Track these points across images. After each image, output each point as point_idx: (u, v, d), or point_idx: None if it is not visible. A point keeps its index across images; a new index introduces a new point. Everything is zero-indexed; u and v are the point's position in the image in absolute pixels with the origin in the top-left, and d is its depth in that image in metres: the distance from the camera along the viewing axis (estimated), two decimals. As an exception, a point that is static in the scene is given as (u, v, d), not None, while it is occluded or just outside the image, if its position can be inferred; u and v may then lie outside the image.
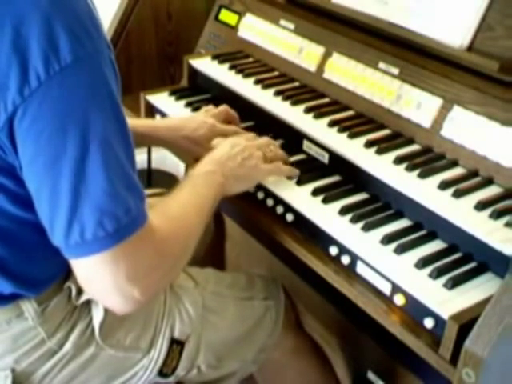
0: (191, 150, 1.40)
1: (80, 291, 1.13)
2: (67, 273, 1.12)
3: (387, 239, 1.13)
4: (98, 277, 0.93)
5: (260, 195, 1.30)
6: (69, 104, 0.86)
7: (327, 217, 1.20)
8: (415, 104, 1.32)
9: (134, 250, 0.92)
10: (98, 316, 1.14)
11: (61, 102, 0.86)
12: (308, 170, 1.33)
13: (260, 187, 1.29)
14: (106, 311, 1.13)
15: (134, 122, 1.37)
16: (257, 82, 1.55)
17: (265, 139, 1.34)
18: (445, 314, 0.98)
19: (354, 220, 1.18)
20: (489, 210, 1.10)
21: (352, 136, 1.33)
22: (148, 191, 1.51)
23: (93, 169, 0.88)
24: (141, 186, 0.95)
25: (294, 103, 1.46)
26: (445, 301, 1.01)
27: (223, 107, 1.48)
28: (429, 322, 1.01)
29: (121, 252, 0.91)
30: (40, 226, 0.95)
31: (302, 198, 1.25)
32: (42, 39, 0.84)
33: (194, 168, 1.20)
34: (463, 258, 1.11)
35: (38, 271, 1.07)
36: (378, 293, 1.09)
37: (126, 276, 0.92)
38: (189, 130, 1.40)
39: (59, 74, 0.85)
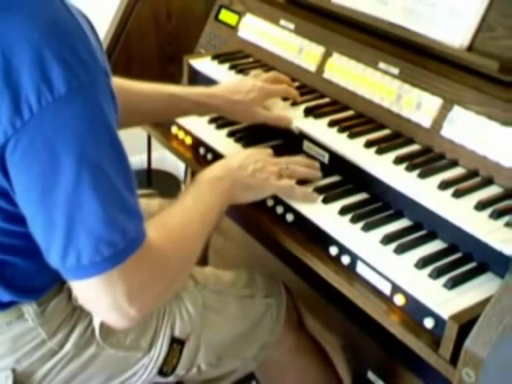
0: (246, 112, 1.41)
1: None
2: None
3: (387, 239, 1.13)
4: (96, 297, 0.93)
5: (260, 195, 1.30)
6: (62, 136, 0.85)
7: (327, 217, 1.20)
8: (415, 104, 1.32)
9: (131, 271, 0.92)
10: (98, 316, 1.13)
11: (54, 133, 0.85)
12: (308, 170, 1.33)
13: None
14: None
15: (188, 91, 1.41)
16: (257, 81, 1.55)
17: (285, 159, 1.29)
18: (445, 314, 0.98)
19: (354, 220, 1.18)
20: (489, 210, 1.10)
21: (352, 136, 1.33)
22: (145, 191, 1.51)
23: (87, 198, 0.87)
24: (139, 208, 0.94)
25: (294, 103, 1.46)
26: (445, 301, 1.01)
27: (273, 73, 1.50)
28: (429, 322, 1.01)
29: (118, 274, 0.91)
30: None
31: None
32: (34, 70, 0.82)
33: (201, 173, 1.19)
34: (463, 257, 1.11)
35: (36, 280, 1.07)
36: (378, 293, 1.09)
37: (123, 296, 0.92)
38: (241, 94, 1.39)
39: (52, 105, 0.83)
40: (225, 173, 1.18)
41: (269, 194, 1.24)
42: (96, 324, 1.14)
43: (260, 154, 1.26)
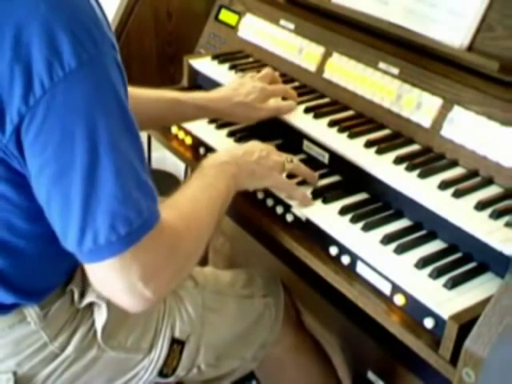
0: (247, 114, 1.42)
1: (82, 294, 1.12)
2: (69, 276, 1.12)
3: (387, 239, 1.13)
4: (112, 280, 0.92)
5: (260, 195, 1.30)
6: (75, 110, 0.85)
7: (327, 217, 1.20)
8: (415, 104, 1.32)
9: (145, 251, 0.92)
10: (100, 319, 1.13)
11: (67, 108, 0.84)
12: (308, 170, 1.33)
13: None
14: (109, 313, 1.13)
15: (190, 96, 1.41)
16: (257, 81, 1.55)
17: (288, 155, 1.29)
18: (445, 314, 0.98)
19: (354, 220, 1.18)
20: (489, 210, 1.10)
21: (352, 136, 1.33)
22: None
23: (104, 174, 0.87)
24: (153, 185, 0.95)
25: (294, 103, 1.46)
26: (445, 301, 1.01)
27: (267, 70, 1.51)
28: (429, 322, 1.01)
29: (133, 254, 0.90)
30: (42, 236, 0.94)
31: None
32: (44, 45, 0.82)
33: (205, 159, 1.19)
34: (463, 257, 1.11)
35: (39, 282, 1.07)
36: (378, 293, 1.09)
37: (138, 277, 0.92)
38: (241, 96, 1.40)
39: (63, 80, 0.83)
40: (230, 158, 1.18)
41: (269, 184, 1.24)
42: (98, 327, 1.14)
43: (264, 145, 1.27)
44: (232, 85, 1.46)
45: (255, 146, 1.24)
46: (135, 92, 1.34)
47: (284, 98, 1.47)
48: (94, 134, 0.86)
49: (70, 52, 0.83)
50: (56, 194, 0.88)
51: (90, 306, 1.14)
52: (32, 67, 0.83)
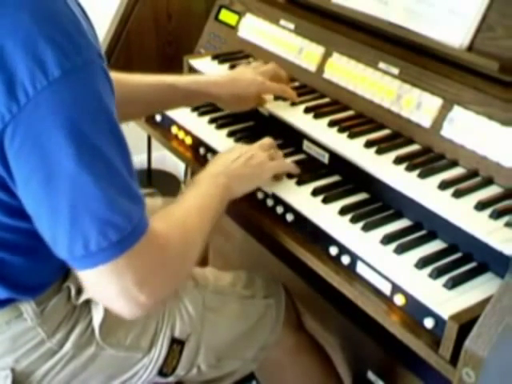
0: (240, 105, 1.45)
1: (79, 291, 1.13)
2: (66, 273, 1.12)
3: (387, 239, 1.13)
4: (105, 285, 0.93)
5: (260, 195, 1.30)
6: (60, 118, 0.84)
7: (327, 217, 1.20)
8: (415, 104, 1.32)
9: (138, 256, 0.92)
10: (98, 316, 1.14)
11: (51, 116, 0.84)
12: (308, 170, 1.33)
13: (260, 187, 1.29)
14: (106, 311, 1.13)
15: (187, 79, 1.44)
16: (257, 81, 1.55)
17: (268, 139, 1.34)
18: (445, 314, 0.98)
19: (354, 220, 1.18)
20: (489, 210, 1.10)
21: (352, 136, 1.33)
22: (146, 190, 1.51)
23: (89, 182, 0.87)
24: (141, 193, 0.95)
25: (294, 103, 1.46)
26: (445, 301, 1.01)
27: (272, 65, 1.51)
28: (429, 322, 1.01)
29: (126, 260, 0.91)
30: (35, 233, 0.94)
31: (302, 198, 1.25)
32: (27, 55, 0.82)
33: (198, 175, 1.20)
34: (463, 257, 1.11)
35: (32, 277, 1.07)
36: (377, 293, 1.09)
37: (132, 282, 0.92)
38: (241, 88, 1.42)
39: (47, 88, 0.83)
40: (220, 170, 1.20)
41: (267, 177, 1.26)
42: (96, 323, 1.14)
43: (246, 146, 1.30)
44: (233, 74, 1.48)
45: (237, 150, 1.27)
46: (127, 77, 1.37)
47: (283, 98, 1.47)
48: (78, 141, 0.86)
49: (53, 61, 0.83)
50: (43, 202, 0.88)
51: (88, 303, 1.14)
52: (15, 76, 0.82)
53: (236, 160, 1.23)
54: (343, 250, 1.14)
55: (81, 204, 0.87)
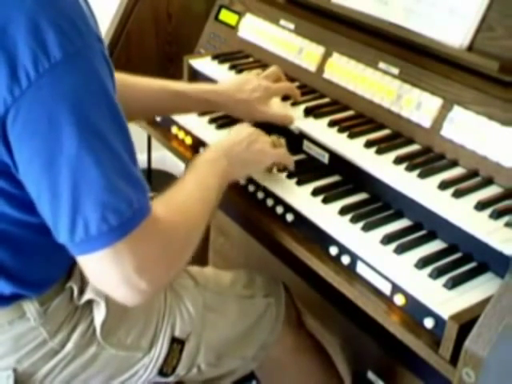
0: (248, 111, 1.43)
1: (82, 291, 1.13)
2: (69, 273, 1.13)
3: (387, 239, 1.13)
4: (106, 271, 0.92)
5: (260, 195, 1.30)
6: (61, 102, 0.85)
7: (327, 217, 1.20)
8: (415, 104, 1.32)
9: (139, 242, 0.92)
10: (99, 315, 1.14)
11: (52, 100, 0.85)
12: (308, 170, 1.33)
13: (260, 187, 1.29)
14: (108, 310, 1.13)
15: (193, 88, 1.43)
16: (257, 81, 1.55)
17: (274, 67, 1.39)
18: (445, 314, 0.98)
19: (354, 220, 1.18)
20: (489, 210, 1.10)
21: (352, 136, 1.33)
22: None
23: (90, 165, 0.87)
24: (143, 178, 0.95)
25: (294, 103, 1.46)
26: (445, 301, 1.01)
27: (273, 68, 1.51)
28: (429, 322, 1.01)
29: (126, 245, 0.90)
30: (39, 227, 0.94)
31: (301, 198, 1.25)
32: (29, 37, 0.83)
33: (197, 157, 1.20)
34: (463, 257, 1.11)
35: (38, 272, 1.07)
36: (378, 293, 1.09)
37: (132, 268, 0.91)
38: (246, 93, 1.42)
39: (49, 71, 0.84)
40: (220, 153, 1.20)
41: (268, 163, 1.27)
42: (97, 323, 1.14)
43: (252, 128, 1.30)
44: (237, 80, 1.47)
45: (243, 132, 1.26)
46: (133, 80, 1.36)
47: (287, 97, 1.47)
48: (81, 125, 0.86)
49: (55, 44, 0.84)
50: (45, 186, 0.88)
51: (90, 303, 1.14)
52: (17, 58, 0.83)
53: (239, 143, 1.23)
54: (343, 249, 1.14)
55: (82, 187, 0.87)
